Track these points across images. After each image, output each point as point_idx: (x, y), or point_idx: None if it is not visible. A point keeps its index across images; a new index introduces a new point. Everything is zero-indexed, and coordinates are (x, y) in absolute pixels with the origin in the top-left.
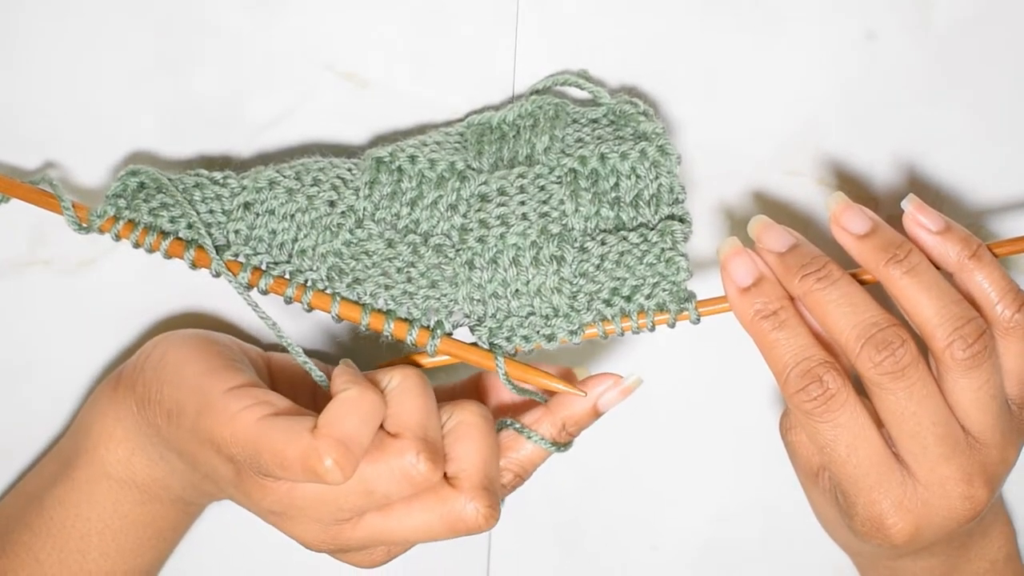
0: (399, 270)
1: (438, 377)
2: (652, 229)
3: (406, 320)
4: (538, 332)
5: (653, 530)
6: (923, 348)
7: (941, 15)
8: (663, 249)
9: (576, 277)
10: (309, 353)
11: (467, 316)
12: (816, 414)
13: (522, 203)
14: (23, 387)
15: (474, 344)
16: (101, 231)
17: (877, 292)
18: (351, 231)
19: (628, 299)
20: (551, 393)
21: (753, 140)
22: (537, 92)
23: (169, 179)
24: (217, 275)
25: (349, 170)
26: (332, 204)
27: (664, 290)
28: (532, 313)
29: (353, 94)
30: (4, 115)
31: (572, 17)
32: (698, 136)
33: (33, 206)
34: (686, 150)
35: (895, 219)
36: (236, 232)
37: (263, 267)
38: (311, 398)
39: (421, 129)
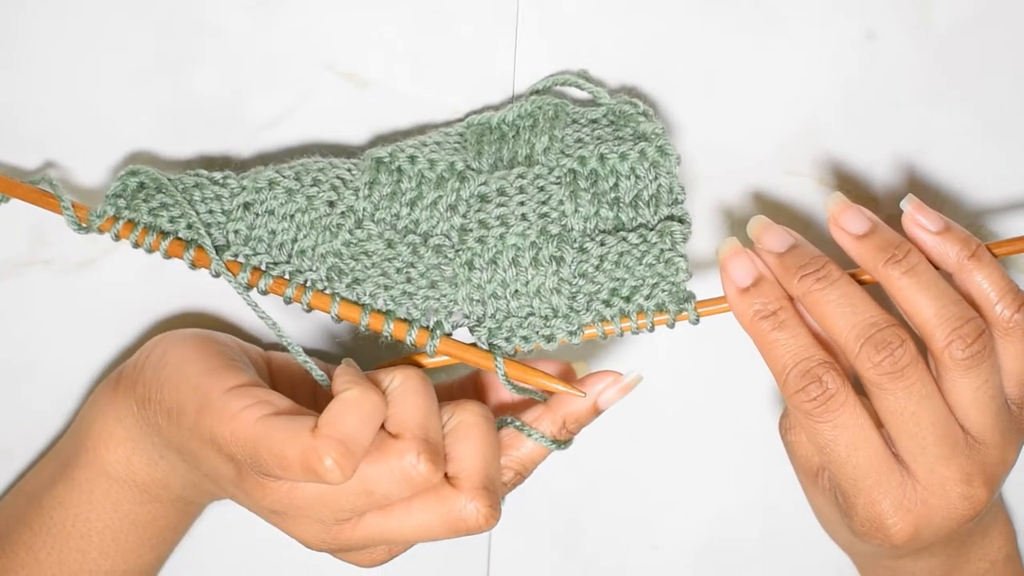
0: (398, 270)
1: (437, 376)
2: (651, 230)
3: (405, 320)
4: (537, 332)
5: (653, 530)
6: (922, 348)
7: (941, 15)
8: (662, 250)
9: (575, 278)
10: (309, 352)
11: (466, 316)
12: (815, 414)
13: (521, 203)
14: (23, 387)
15: (473, 344)
16: (100, 231)
17: (876, 293)
18: (351, 231)
19: (627, 300)
20: (551, 392)
21: (753, 140)
22: (537, 92)
23: (169, 179)
24: (217, 275)
25: (349, 170)
26: (332, 204)
27: (663, 291)
28: (531, 314)
29: (353, 94)
30: (4, 115)
31: (572, 17)
32: (698, 136)
33: (33, 206)
34: (686, 150)
35: (895, 219)
36: (236, 232)
37: (263, 267)
38: (311, 398)
39: (421, 129)
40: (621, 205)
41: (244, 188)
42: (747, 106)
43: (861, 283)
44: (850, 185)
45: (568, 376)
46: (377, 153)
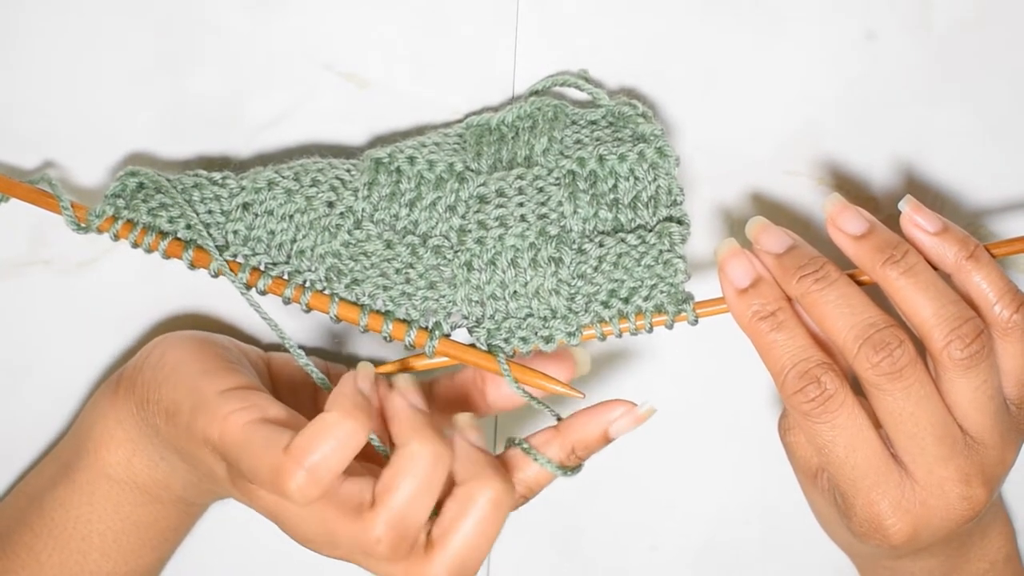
0: (397, 271)
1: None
2: (650, 231)
3: (404, 321)
4: (536, 333)
5: (652, 531)
6: (921, 349)
7: (941, 15)
8: (661, 251)
9: (574, 279)
10: (310, 352)
11: (465, 317)
12: (814, 415)
13: (520, 205)
14: (23, 387)
15: (472, 345)
16: (99, 231)
17: (875, 294)
18: (350, 232)
19: (626, 301)
20: (549, 392)
21: (752, 140)
22: (536, 93)
23: (168, 179)
24: (216, 275)
25: (348, 171)
26: (331, 205)
27: (662, 292)
28: (530, 315)
29: (353, 94)
30: (3, 114)
31: (572, 17)
32: (697, 136)
33: (33, 206)
34: (685, 151)
35: (895, 219)
36: (235, 233)
37: (261, 268)
38: (312, 398)
39: (420, 130)
40: (620, 206)
41: (243, 188)
42: (747, 106)
43: (859, 284)
44: (849, 185)
45: (566, 363)
46: (376, 154)
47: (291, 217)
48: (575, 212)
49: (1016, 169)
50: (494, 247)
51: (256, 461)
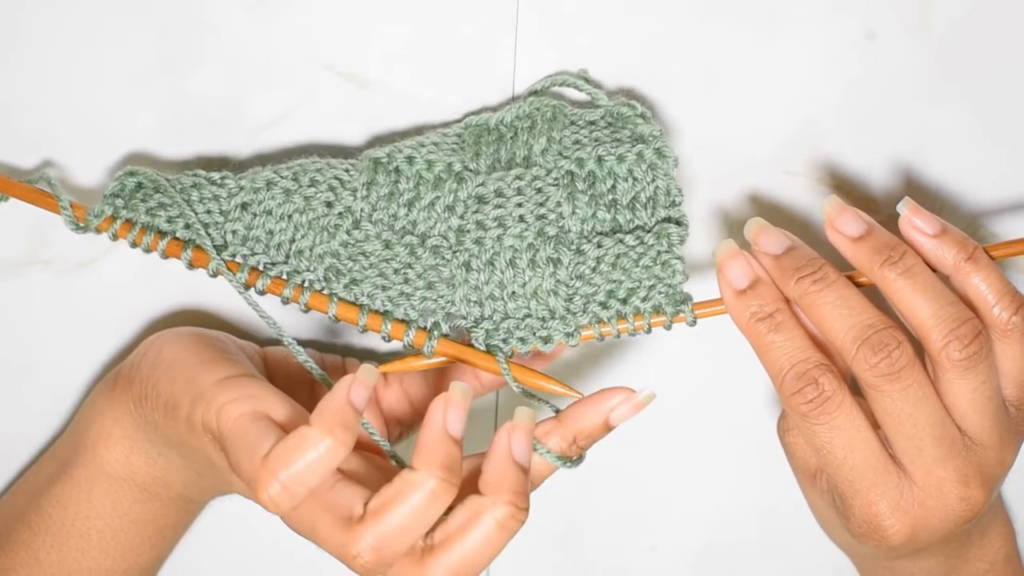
0: (396, 271)
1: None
2: (648, 232)
3: (403, 321)
4: (534, 334)
5: (652, 531)
6: (919, 350)
7: (941, 15)
8: (659, 252)
9: (572, 279)
10: (309, 345)
11: (464, 318)
12: (812, 416)
13: (519, 205)
14: (23, 387)
15: (470, 345)
16: (98, 231)
17: (873, 295)
18: (348, 232)
19: (624, 302)
20: (548, 392)
21: (752, 141)
22: (535, 93)
23: (167, 179)
24: (214, 275)
25: (346, 171)
26: (329, 205)
27: (660, 293)
28: (528, 315)
29: (353, 94)
30: (3, 114)
31: (572, 17)
32: (697, 136)
33: (32, 206)
34: (685, 151)
35: (895, 220)
36: (233, 232)
37: (260, 267)
38: (309, 390)
39: (419, 130)
40: (618, 207)
41: (242, 188)
42: (746, 107)
43: (858, 285)
44: (849, 186)
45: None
46: (375, 154)
47: (290, 217)
48: (573, 213)
49: (1016, 169)
50: (492, 247)
51: (241, 460)
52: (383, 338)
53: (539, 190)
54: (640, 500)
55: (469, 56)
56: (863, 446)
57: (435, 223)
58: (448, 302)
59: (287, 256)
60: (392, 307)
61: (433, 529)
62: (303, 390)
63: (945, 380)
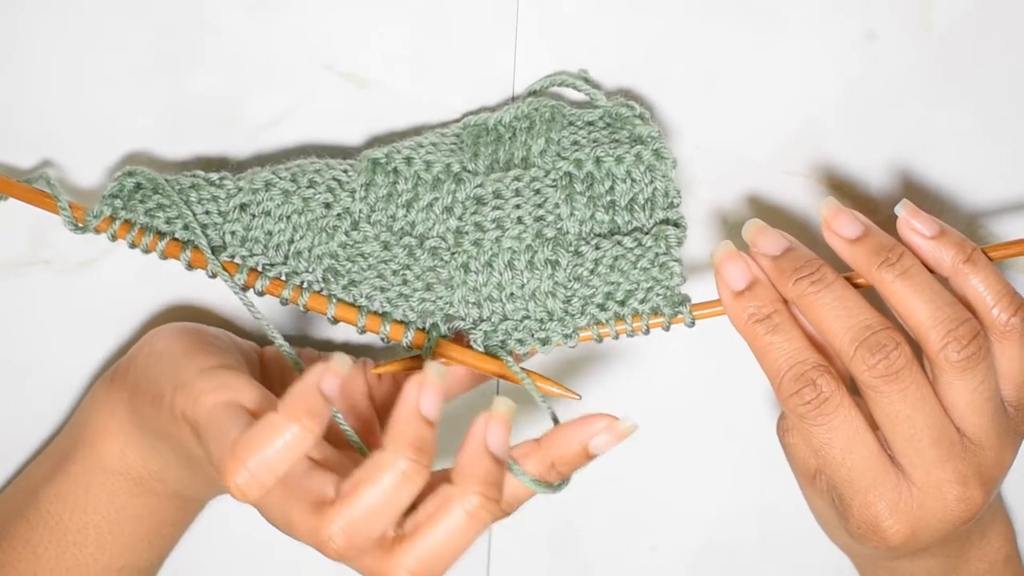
0: (395, 272)
1: None
2: (647, 233)
3: (402, 322)
4: (533, 335)
5: (651, 531)
6: (918, 351)
7: (941, 15)
8: (657, 254)
9: (571, 281)
10: (309, 342)
11: (462, 319)
12: (810, 417)
13: (517, 206)
14: (23, 386)
15: (469, 346)
16: (97, 231)
17: (872, 296)
18: (347, 233)
19: (622, 303)
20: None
21: (752, 141)
22: (534, 93)
23: (166, 180)
24: (213, 276)
25: (345, 172)
26: (328, 206)
27: (658, 294)
28: (527, 316)
29: (353, 94)
30: (3, 114)
31: (572, 17)
32: (697, 137)
33: (31, 206)
34: (685, 152)
35: (894, 220)
36: (232, 233)
37: (259, 268)
38: None
39: (419, 130)
40: (617, 208)
41: (241, 189)
42: (746, 107)
43: (856, 286)
44: (849, 186)
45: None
46: (373, 154)
47: (288, 218)
48: (572, 214)
49: (1016, 169)
50: (491, 249)
51: (211, 448)
52: (382, 339)
53: (537, 191)
54: (640, 500)
55: (469, 56)
56: (861, 447)
57: (433, 224)
58: (446, 303)
59: (286, 257)
60: (391, 308)
61: (405, 519)
62: None
63: (943, 381)
